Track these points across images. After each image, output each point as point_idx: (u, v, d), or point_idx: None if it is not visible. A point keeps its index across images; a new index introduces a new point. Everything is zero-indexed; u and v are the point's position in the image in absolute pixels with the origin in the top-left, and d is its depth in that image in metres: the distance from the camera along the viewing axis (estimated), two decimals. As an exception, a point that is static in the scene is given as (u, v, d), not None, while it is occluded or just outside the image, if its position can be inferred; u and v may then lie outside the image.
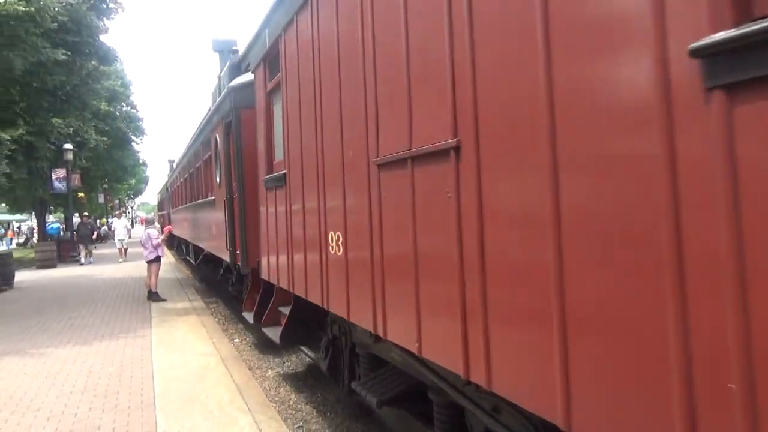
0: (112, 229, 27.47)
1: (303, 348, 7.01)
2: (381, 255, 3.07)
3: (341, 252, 3.68)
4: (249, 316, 7.38)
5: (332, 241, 3.84)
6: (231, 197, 7.78)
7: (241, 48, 7.93)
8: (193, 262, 16.91)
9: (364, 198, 3.24)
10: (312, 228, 4.31)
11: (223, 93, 8.29)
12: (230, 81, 7.76)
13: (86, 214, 26.66)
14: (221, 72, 9.28)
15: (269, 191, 5.74)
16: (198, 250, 14.45)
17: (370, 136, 3.17)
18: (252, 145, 6.73)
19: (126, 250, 22.96)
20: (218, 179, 9.01)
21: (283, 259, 5.31)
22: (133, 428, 4.76)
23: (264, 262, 6.24)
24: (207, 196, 10.88)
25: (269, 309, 6.49)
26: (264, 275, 6.30)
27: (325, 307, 4.09)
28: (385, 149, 2.99)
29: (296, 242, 4.83)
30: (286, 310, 5.95)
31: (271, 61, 5.77)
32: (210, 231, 10.58)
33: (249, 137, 6.94)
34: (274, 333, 6.19)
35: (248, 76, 7.12)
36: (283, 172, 5.08)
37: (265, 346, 8.16)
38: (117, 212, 27.56)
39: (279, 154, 5.50)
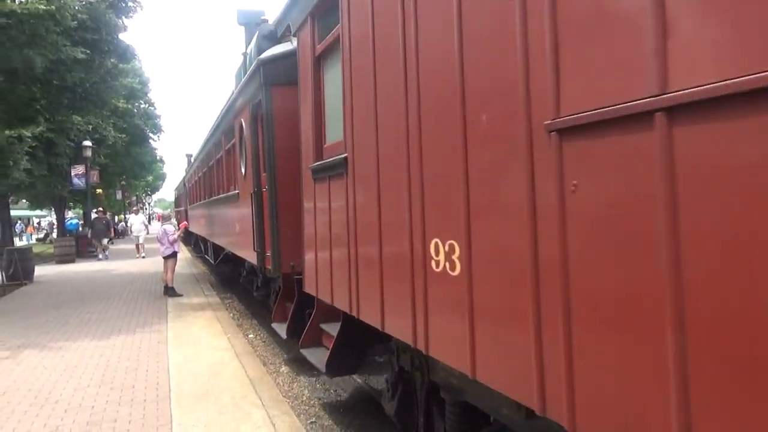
0: (129, 224, 27.15)
1: (357, 379, 6.10)
2: (564, 286, 1.79)
3: (458, 271, 2.45)
4: (281, 330, 6.41)
5: (438, 254, 2.63)
6: (259, 190, 6.90)
7: (272, 18, 6.91)
8: (212, 262, 15.78)
9: (520, 187, 1.99)
10: (397, 232, 3.06)
11: (250, 69, 7.09)
12: (259, 54, 6.66)
13: (101, 209, 26.42)
14: (247, 47, 8.05)
15: (319, 182, 4.57)
16: (218, 249, 13.56)
17: (534, 83, 1.91)
18: (288, 127, 5.81)
19: (143, 246, 22.70)
20: (243, 170, 7.99)
21: (340, 271, 4.08)
22: (149, 421, 4.82)
23: (308, 271, 5.03)
24: (229, 190, 9.88)
25: (309, 326, 5.37)
26: (309, 289, 5.09)
27: (422, 350, 2.85)
28: (575, 102, 1.73)
29: (365, 250, 3.61)
30: (330, 329, 4.96)
31: (322, 15, 4.57)
32: (232, 229, 9.56)
33: (284, 119, 6.04)
34: (317, 358, 5.04)
35: (282, 47, 6.28)
36: (343, 156, 3.86)
37: (278, 342, 8.20)
38: (134, 208, 27.24)
39: (334, 135, 4.33)
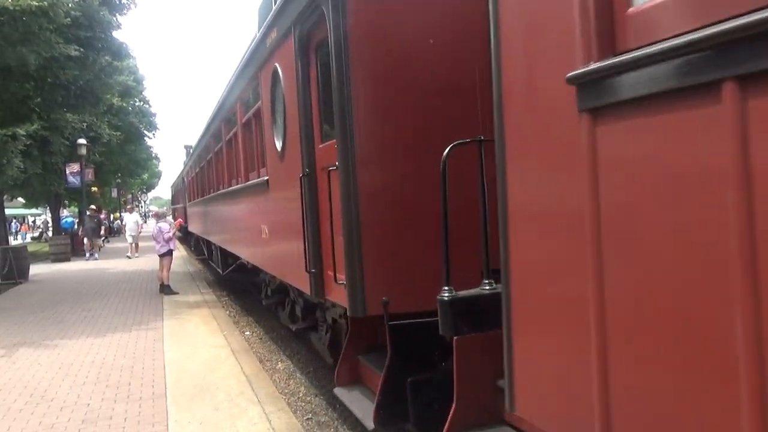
0: (123, 223, 26.24)
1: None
2: None
3: None
4: (361, 410, 3.82)
5: None
6: (312, 173, 4.45)
7: None
8: (221, 272, 12.63)
9: None
10: None
11: None
12: None
13: (93, 207, 25.26)
14: None
15: (633, 115, 1.59)
16: (226, 256, 11.22)
17: None
18: (381, 57, 3.60)
19: (137, 245, 21.70)
20: (279, 144, 5.32)
21: None
22: (145, 418, 4.82)
23: (543, 380, 2.03)
24: (250, 179, 7.22)
25: (450, 424, 2.74)
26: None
27: None
28: None
29: None
30: None
31: None
32: (255, 232, 6.87)
33: (372, 43, 3.61)
34: None
35: None
36: None
37: (275, 339, 8.20)
38: (129, 206, 26.40)
39: None
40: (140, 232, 23.31)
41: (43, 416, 5.00)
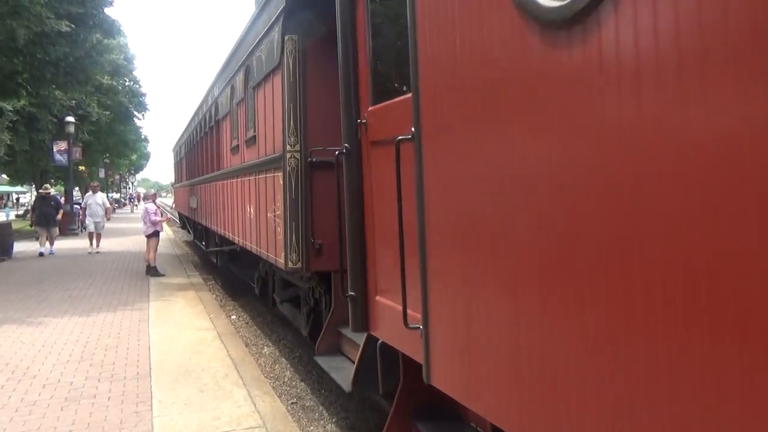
0: (84, 204, 17.57)
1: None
2: None
3: None
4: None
5: None
6: None
7: None
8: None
9: None
10: None
11: None
12: None
13: (47, 186, 18.81)
14: None
15: None
16: None
17: None
18: None
19: (98, 236, 16.43)
20: None
21: None
22: (129, 398, 4.80)
23: None
24: None
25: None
26: None
27: None
28: None
29: None
30: None
31: None
32: None
33: None
34: None
35: None
36: None
37: (261, 324, 8.20)
38: (94, 184, 18.71)
39: None
40: (108, 218, 18.65)
41: (25, 393, 4.96)
